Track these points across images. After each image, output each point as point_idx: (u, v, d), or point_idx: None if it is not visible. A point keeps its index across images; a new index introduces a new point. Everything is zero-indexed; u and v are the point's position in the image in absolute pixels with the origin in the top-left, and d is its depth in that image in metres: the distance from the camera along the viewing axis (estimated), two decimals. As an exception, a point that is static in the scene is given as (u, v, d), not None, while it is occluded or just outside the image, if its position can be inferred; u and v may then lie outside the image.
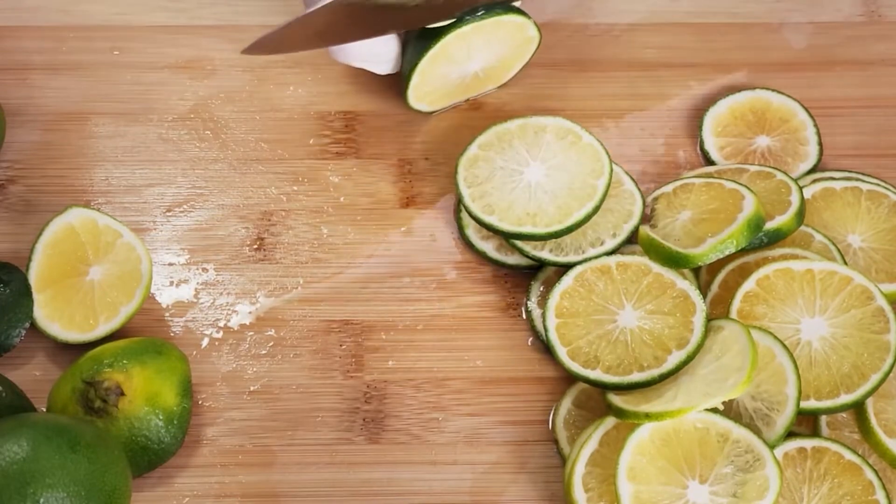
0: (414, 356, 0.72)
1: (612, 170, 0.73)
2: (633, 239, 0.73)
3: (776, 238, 0.70)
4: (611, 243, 0.72)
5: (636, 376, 0.66)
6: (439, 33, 0.74)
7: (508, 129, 0.75)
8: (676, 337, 0.67)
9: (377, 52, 0.76)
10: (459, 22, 0.73)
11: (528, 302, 0.73)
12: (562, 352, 0.68)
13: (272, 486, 0.68)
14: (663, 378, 0.66)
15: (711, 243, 0.68)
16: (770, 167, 0.74)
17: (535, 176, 0.73)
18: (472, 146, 0.75)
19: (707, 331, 0.67)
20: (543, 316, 0.69)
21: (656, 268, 0.70)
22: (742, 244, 0.68)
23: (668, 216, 0.73)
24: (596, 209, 0.72)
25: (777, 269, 0.69)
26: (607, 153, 0.73)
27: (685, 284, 0.69)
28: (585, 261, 0.71)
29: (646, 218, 0.73)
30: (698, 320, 0.67)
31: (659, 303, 0.69)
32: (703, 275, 0.73)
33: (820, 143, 0.78)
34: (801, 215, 0.71)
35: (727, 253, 0.68)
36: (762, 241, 0.70)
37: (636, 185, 0.74)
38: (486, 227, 0.73)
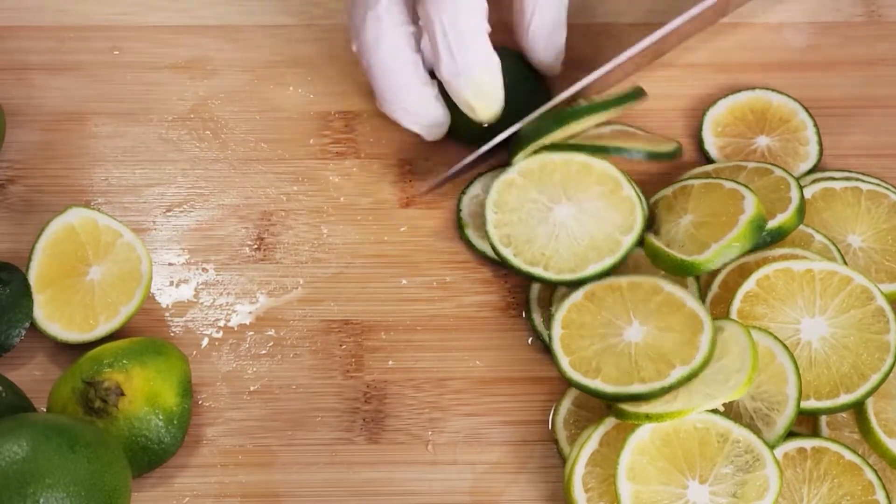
0: (414, 356, 0.72)
1: (642, 230, 0.71)
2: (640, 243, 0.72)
3: (779, 236, 0.70)
4: (610, 260, 0.70)
5: (637, 388, 0.65)
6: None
7: (552, 161, 0.73)
8: (681, 354, 0.66)
9: (433, 121, 0.75)
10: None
11: (528, 302, 0.73)
12: (564, 362, 0.67)
13: (272, 486, 0.68)
14: (664, 392, 0.64)
15: (716, 248, 0.68)
16: (767, 163, 0.74)
17: (562, 215, 0.72)
18: (512, 170, 0.73)
19: (713, 349, 0.66)
20: (549, 326, 0.68)
21: (668, 287, 0.68)
22: (748, 246, 0.68)
23: (669, 220, 0.72)
24: (614, 266, 0.69)
25: (777, 269, 0.69)
26: (643, 209, 0.71)
27: (694, 304, 0.67)
28: (582, 280, 0.70)
29: (648, 224, 0.72)
30: (705, 339, 0.66)
31: (667, 322, 0.67)
32: (703, 275, 0.73)
33: (820, 143, 0.78)
34: (801, 211, 0.71)
35: (733, 256, 0.68)
36: (766, 240, 0.70)
37: (637, 192, 0.73)
38: (498, 257, 0.72)
